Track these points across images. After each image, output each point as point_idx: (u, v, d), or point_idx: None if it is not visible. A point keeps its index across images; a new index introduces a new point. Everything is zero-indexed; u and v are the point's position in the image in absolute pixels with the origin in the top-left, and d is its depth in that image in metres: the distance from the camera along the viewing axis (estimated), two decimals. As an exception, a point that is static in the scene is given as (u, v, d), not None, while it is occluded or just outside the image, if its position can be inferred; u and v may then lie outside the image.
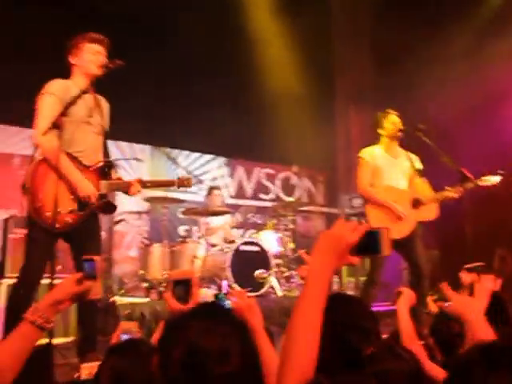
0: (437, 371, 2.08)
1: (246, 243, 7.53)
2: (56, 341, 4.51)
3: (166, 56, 8.69)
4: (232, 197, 10.51)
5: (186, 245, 7.62)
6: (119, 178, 4.53)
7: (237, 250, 7.31)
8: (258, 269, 7.34)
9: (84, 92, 4.07)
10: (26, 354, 1.88)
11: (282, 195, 11.05)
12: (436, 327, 2.97)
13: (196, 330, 1.43)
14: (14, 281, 4.12)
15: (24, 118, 4.20)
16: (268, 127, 9.28)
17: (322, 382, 1.44)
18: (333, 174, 11.49)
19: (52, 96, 4.08)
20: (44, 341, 3.05)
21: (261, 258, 7.46)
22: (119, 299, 6.59)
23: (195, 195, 9.39)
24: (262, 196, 10.94)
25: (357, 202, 9.36)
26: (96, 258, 2.13)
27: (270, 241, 8.06)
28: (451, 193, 5.32)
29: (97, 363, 2.08)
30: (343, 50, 11.01)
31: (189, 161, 10.00)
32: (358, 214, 8.66)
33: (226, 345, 1.42)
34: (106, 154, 4.43)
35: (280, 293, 7.60)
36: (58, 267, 5.65)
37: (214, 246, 7.81)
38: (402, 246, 5.16)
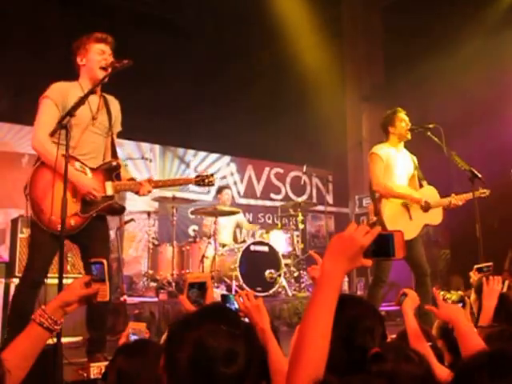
0: (445, 373, 2.03)
1: (255, 243, 7.52)
2: (65, 340, 4.53)
3: (177, 55, 8.73)
4: (242, 196, 10.52)
5: (196, 245, 7.64)
6: (131, 179, 4.43)
7: (246, 250, 7.30)
8: (267, 269, 7.34)
9: (91, 92, 3.98)
10: (34, 355, 1.91)
11: (291, 195, 11.06)
12: (445, 329, 2.92)
13: (202, 331, 1.44)
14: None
15: (33, 117, 4.18)
16: (278, 127, 9.28)
17: (331, 381, 1.44)
18: (342, 174, 11.49)
19: (48, 100, 4.05)
20: (52, 340, 3.01)
21: (270, 258, 7.46)
22: (129, 299, 6.57)
23: (204, 195, 9.40)
24: (272, 196, 10.95)
25: (366, 201, 9.34)
26: (104, 260, 2.13)
27: (280, 241, 8.07)
28: (456, 200, 5.33)
29: (105, 363, 2.08)
30: (355, 50, 11.00)
31: (198, 160, 10.04)
32: (367, 213, 8.65)
33: (233, 345, 1.43)
34: (114, 154, 4.36)
35: (290, 293, 7.60)
36: (67, 267, 5.71)
37: (223, 245, 7.82)
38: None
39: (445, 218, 5.51)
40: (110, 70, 4.11)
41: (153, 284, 7.34)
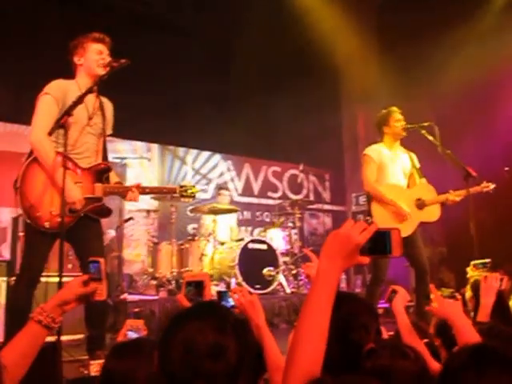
0: (439, 369, 2.08)
1: (253, 241, 7.58)
2: (66, 338, 4.58)
3: (174, 55, 8.77)
4: (240, 194, 10.58)
5: (195, 243, 7.68)
6: (118, 183, 4.46)
7: (245, 248, 7.35)
8: (266, 266, 7.39)
9: (89, 91, 4.02)
10: (33, 352, 1.93)
11: (288, 193, 11.12)
12: (442, 325, 2.90)
13: (190, 328, 1.45)
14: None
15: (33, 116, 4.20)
16: (275, 126, 9.33)
17: (327, 381, 1.44)
18: (339, 172, 11.56)
19: (48, 97, 4.05)
20: (52, 338, 3.04)
21: (269, 256, 7.51)
22: (129, 297, 6.66)
23: (204, 193, 9.46)
24: (270, 194, 10.99)
25: (363, 199, 9.41)
26: (101, 259, 2.16)
27: (278, 239, 8.13)
28: (454, 196, 5.36)
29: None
30: (349, 50, 11.01)
31: (196, 158, 10.10)
32: (364, 211, 8.71)
33: (220, 340, 1.44)
34: (105, 156, 4.38)
35: (288, 290, 7.67)
36: (69, 266, 5.75)
37: (222, 243, 7.88)
38: (404, 244, 5.13)
39: (440, 215, 5.52)
40: (107, 69, 4.13)
41: (153, 282, 7.37)
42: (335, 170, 11.57)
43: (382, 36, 10.33)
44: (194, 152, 10.06)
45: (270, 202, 10.67)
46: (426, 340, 2.68)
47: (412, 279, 6.51)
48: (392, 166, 5.53)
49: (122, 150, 8.73)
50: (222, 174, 10.38)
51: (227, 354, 1.42)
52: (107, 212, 4.31)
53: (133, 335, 2.55)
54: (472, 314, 3.43)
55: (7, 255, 6.11)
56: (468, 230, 4.97)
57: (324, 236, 10.66)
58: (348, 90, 11.24)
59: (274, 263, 7.49)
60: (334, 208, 11.57)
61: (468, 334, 2.27)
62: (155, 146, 9.62)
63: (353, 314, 1.92)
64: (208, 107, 9.03)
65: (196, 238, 7.97)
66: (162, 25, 8.97)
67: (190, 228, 8.36)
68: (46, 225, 3.88)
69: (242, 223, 10.09)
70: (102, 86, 4.27)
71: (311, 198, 11.23)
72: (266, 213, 10.56)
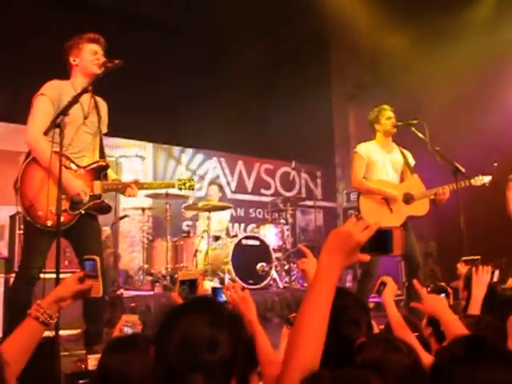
0: (430, 361, 2.08)
1: (247, 237, 7.68)
2: (64, 333, 4.64)
3: (166, 54, 8.82)
4: (233, 192, 10.65)
5: (189, 239, 7.77)
6: (116, 179, 4.53)
7: (238, 244, 7.46)
8: (259, 262, 7.50)
9: (84, 91, 4.06)
10: (31, 348, 1.96)
11: (281, 190, 11.20)
12: (433, 318, 2.91)
13: (188, 321, 1.48)
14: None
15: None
16: (267, 124, 9.39)
17: (324, 374, 1.43)
18: (330, 170, 11.65)
19: (44, 97, 4.09)
20: (51, 333, 3.12)
21: (262, 252, 7.62)
22: (125, 292, 6.71)
23: (197, 191, 9.51)
24: (263, 191, 11.06)
25: (354, 196, 9.49)
26: (97, 257, 2.19)
27: (271, 235, 8.24)
28: (442, 190, 5.41)
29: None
30: (341, 47, 11.09)
31: (189, 157, 10.15)
32: (354, 207, 8.79)
33: (215, 333, 1.45)
34: (102, 154, 4.43)
35: (281, 285, 7.76)
36: (66, 263, 5.80)
37: (216, 239, 7.96)
38: None
39: (430, 209, 5.59)
40: (102, 69, 4.18)
41: (148, 278, 7.44)
42: (327, 167, 11.64)
43: (373, 34, 10.38)
44: (187, 150, 10.10)
45: (263, 198, 10.74)
46: (416, 334, 2.69)
47: (403, 274, 6.61)
48: (382, 163, 5.61)
49: (117, 148, 8.77)
50: (215, 172, 10.45)
51: (222, 346, 1.44)
52: (107, 209, 4.38)
53: (128, 330, 2.57)
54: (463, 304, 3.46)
55: (5, 253, 6.15)
56: (458, 225, 5.00)
57: (316, 232, 10.76)
58: (339, 87, 11.32)
59: (267, 259, 7.60)
60: (326, 204, 11.64)
61: (455, 329, 2.30)
62: (149, 145, 9.66)
63: (343, 309, 1.93)
64: (201, 106, 9.07)
65: (190, 234, 8.05)
66: (155, 24, 9.01)
67: (185, 225, 8.39)
68: (48, 223, 3.93)
69: (235, 220, 10.18)
70: (97, 86, 4.30)
71: (303, 194, 11.28)
72: (259, 209, 10.63)
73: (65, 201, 4.02)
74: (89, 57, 4.24)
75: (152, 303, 6.25)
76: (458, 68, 8.39)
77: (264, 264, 7.52)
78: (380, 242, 1.61)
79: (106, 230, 7.33)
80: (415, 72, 8.80)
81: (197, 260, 7.57)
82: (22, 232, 5.41)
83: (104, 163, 4.36)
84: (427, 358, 2.07)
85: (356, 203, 5.81)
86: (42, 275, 4.03)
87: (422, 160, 5.86)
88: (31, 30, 7.64)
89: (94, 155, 4.38)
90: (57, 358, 3.33)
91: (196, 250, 7.61)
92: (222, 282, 7.33)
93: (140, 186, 4.45)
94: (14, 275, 4.83)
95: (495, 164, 5.55)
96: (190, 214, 8.46)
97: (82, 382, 3.20)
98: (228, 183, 10.61)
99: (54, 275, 3.45)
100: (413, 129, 5.48)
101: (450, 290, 3.56)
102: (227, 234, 8.67)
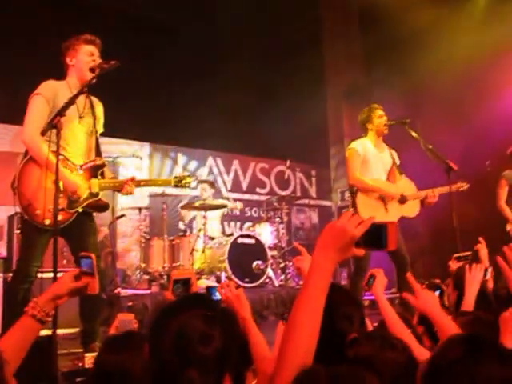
0: (426, 356, 1.94)
1: (242, 236, 7.73)
2: (61, 331, 4.66)
3: (163, 55, 8.86)
4: (229, 190, 10.71)
5: (186, 238, 7.80)
6: (113, 177, 4.57)
7: (234, 243, 7.51)
8: (254, 260, 7.55)
9: (81, 92, 4.08)
10: (27, 346, 1.95)
11: (276, 189, 11.26)
12: (424, 316, 2.88)
13: (182, 317, 1.50)
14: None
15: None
16: (262, 124, 9.43)
17: (319, 370, 1.43)
18: (325, 168, 11.69)
19: (40, 97, 4.10)
20: (48, 332, 3.15)
21: (257, 250, 7.67)
22: (122, 291, 6.77)
23: (194, 190, 9.55)
24: (258, 190, 11.13)
25: (348, 194, 9.52)
26: (93, 255, 2.19)
27: (266, 233, 8.30)
28: (433, 193, 5.46)
29: (99, 354, 2.16)
30: (334, 46, 11.12)
31: (186, 157, 10.21)
32: (349, 206, 8.82)
33: (210, 330, 1.48)
34: (98, 153, 4.44)
35: (276, 283, 7.83)
36: (64, 262, 5.84)
37: (212, 239, 8.01)
38: None
39: (424, 208, 5.62)
40: (98, 70, 4.19)
41: (145, 277, 7.50)
42: (321, 167, 11.69)
43: (366, 33, 10.43)
44: (183, 150, 10.16)
45: (259, 197, 10.81)
46: (409, 331, 2.62)
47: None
48: (374, 162, 5.62)
49: (113, 148, 8.81)
50: (210, 172, 10.51)
51: (215, 340, 1.47)
52: (104, 206, 4.41)
53: (124, 329, 2.58)
54: (446, 303, 3.49)
55: (4, 252, 6.18)
56: (451, 223, 5.01)
57: (311, 230, 10.81)
58: (333, 87, 11.35)
59: (263, 257, 7.65)
60: (321, 203, 11.70)
61: (447, 327, 2.29)
62: (146, 145, 9.71)
63: (336, 304, 1.91)
64: (197, 106, 9.10)
65: (187, 233, 8.10)
66: (152, 26, 9.03)
67: (182, 224, 8.44)
68: (46, 222, 3.95)
69: (231, 218, 10.25)
70: (94, 87, 4.31)
71: (298, 193, 11.35)
72: (255, 208, 10.68)
73: (62, 199, 4.04)
74: (85, 58, 4.26)
75: (149, 302, 6.28)
76: (453, 66, 8.42)
77: (260, 262, 7.57)
78: (375, 236, 1.60)
79: (104, 230, 7.37)
80: (409, 71, 8.83)
81: (193, 259, 7.62)
82: (19, 231, 5.48)
83: (100, 162, 4.37)
84: (425, 354, 2.08)
85: (350, 201, 5.81)
86: (39, 274, 4.05)
87: (412, 158, 5.92)
88: (30, 31, 7.66)
89: (90, 155, 4.41)
90: (54, 356, 3.33)
91: (192, 249, 7.65)
92: (218, 280, 7.38)
93: (137, 183, 4.45)
94: (11, 275, 4.87)
95: (487, 162, 5.58)
96: (186, 213, 8.51)
97: (79, 379, 3.23)
98: (224, 182, 10.66)
99: (51, 274, 3.45)
100: (406, 127, 5.49)
101: (444, 287, 3.62)
102: (223, 232, 8.72)
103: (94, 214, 4.44)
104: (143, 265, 7.64)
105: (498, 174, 6.78)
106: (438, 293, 3.75)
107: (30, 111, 4.13)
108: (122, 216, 7.63)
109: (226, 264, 7.34)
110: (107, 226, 7.39)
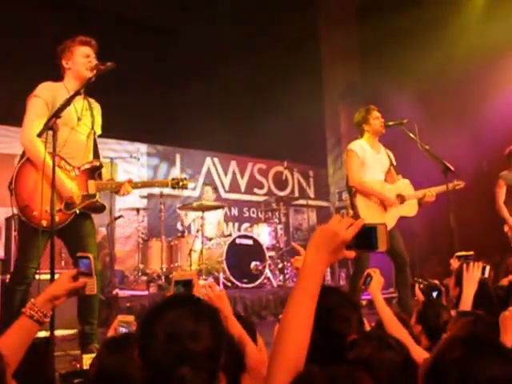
0: (424, 356, 1.98)
1: (240, 236, 7.74)
2: (60, 333, 4.66)
3: (160, 56, 8.87)
4: (227, 191, 10.72)
5: (183, 239, 7.82)
6: (110, 179, 4.57)
7: (232, 244, 7.52)
8: (252, 261, 7.57)
9: (77, 93, 4.04)
10: (25, 347, 1.94)
11: (274, 190, 11.28)
12: (424, 314, 3.05)
13: (171, 316, 1.49)
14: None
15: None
16: (260, 125, 9.44)
17: (315, 372, 1.44)
18: (323, 169, 11.70)
19: (38, 99, 4.10)
20: (45, 333, 3.14)
21: (255, 251, 7.68)
22: (121, 292, 6.78)
23: (192, 191, 9.57)
24: (256, 190, 11.14)
25: (346, 195, 9.53)
26: (90, 255, 2.19)
27: (264, 234, 8.31)
28: (430, 192, 5.47)
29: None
30: (331, 47, 11.14)
31: (183, 157, 10.22)
32: (346, 206, 8.83)
33: (199, 327, 1.48)
34: (96, 155, 4.44)
35: (275, 283, 7.84)
36: (62, 263, 5.84)
37: (210, 239, 8.02)
38: None
39: (422, 208, 5.64)
40: (94, 72, 4.17)
41: (143, 278, 7.50)
42: (319, 167, 11.70)
43: (364, 35, 10.44)
44: (181, 150, 10.16)
45: (256, 198, 10.83)
46: (406, 330, 2.64)
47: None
48: (372, 163, 5.62)
49: (111, 149, 8.82)
50: (208, 172, 10.51)
51: (205, 337, 1.47)
52: (101, 208, 4.40)
53: (123, 330, 2.56)
54: (445, 303, 3.50)
55: (1, 254, 6.18)
56: (448, 223, 5.02)
57: (309, 231, 10.81)
58: (330, 87, 11.37)
59: (261, 258, 7.66)
60: (318, 204, 11.70)
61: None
62: (144, 146, 9.72)
63: (334, 307, 1.94)
64: (195, 107, 9.12)
65: (185, 234, 8.11)
66: (150, 27, 9.05)
67: (180, 225, 8.45)
68: (43, 223, 3.92)
69: (229, 219, 10.24)
70: (92, 87, 4.30)
71: (296, 194, 11.37)
72: (253, 209, 10.69)
73: (60, 200, 4.06)
74: (81, 59, 4.25)
75: (147, 303, 6.30)
76: (451, 66, 8.45)
77: (258, 263, 7.57)
78: (365, 238, 1.60)
79: (102, 231, 7.38)
80: (407, 71, 8.85)
81: (191, 260, 7.62)
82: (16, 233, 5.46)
83: (98, 163, 4.38)
84: (421, 354, 2.13)
85: (347, 202, 5.82)
86: (36, 275, 4.06)
87: (411, 159, 5.93)
88: (29, 33, 7.67)
89: (88, 156, 4.40)
90: (51, 358, 3.32)
91: (190, 250, 7.65)
92: (216, 281, 7.36)
93: (134, 185, 4.46)
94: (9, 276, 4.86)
95: (484, 163, 5.60)
96: (184, 214, 8.52)
97: (76, 381, 3.22)
98: (222, 183, 10.66)
99: (48, 276, 3.44)
100: (403, 128, 5.49)
101: (442, 288, 3.62)
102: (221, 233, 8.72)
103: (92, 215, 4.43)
104: (141, 266, 7.65)
105: (496, 174, 6.81)
106: (436, 293, 3.76)
107: (28, 113, 4.12)
108: (120, 217, 7.63)
109: (224, 265, 7.34)
110: (105, 227, 7.39)
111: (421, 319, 3.04)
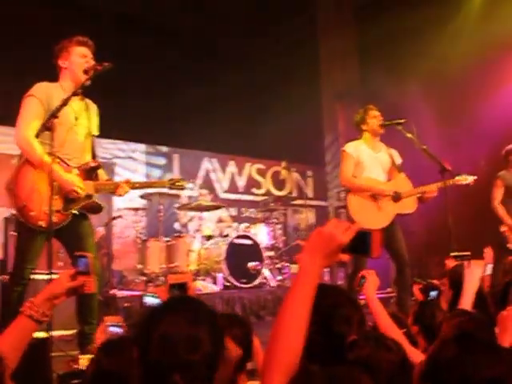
0: (419, 358, 1.99)
1: (239, 237, 7.74)
2: (58, 333, 4.64)
3: (162, 58, 8.87)
4: (225, 191, 10.72)
5: (182, 239, 7.79)
6: (108, 180, 4.58)
7: (231, 243, 7.53)
8: (251, 261, 7.56)
9: (75, 94, 4.08)
10: (23, 346, 1.95)
11: (272, 190, 11.28)
12: (421, 314, 3.07)
13: (167, 322, 1.51)
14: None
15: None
16: (258, 125, 9.45)
17: (314, 371, 1.46)
18: (321, 169, 11.72)
19: (33, 98, 4.10)
20: (43, 334, 3.16)
21: (254, 251, 7.68)
22: (119, 293, 6.80)
23: (190, 191, 9.56)
24: (254, 190, 11.15)
25: (344, 194, 9.53)
26: (89, 254, 2.21)
27: (263, 234, 8.30)
28: (429, 188, 5.48)
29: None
30: (329, 48, 11.14)
31: (182, 157, 10.22)
32: (345, 206, 8.82)
33: (196, 333, 1.49)
34: (93, 155, 4.45)
35: (273, 283, 7.83)
36: (60, 264, 5.84)
37: (208, 239, 8.02)
38: (384, 237, 5.20)
39: (420, 207, 5.65)
40: (91, 72, 4.18)
41: (142, 278, 7.49)
42: (317, 167, 11.73)
43: (361, 35, 10.45)
44: (179, 151, 10.16)
45: (255, 198, 10.82)
46: (403, 330, 2.71)
47: (392, 271, 6.66)
48: (370, 162, 5.66)
49: (109, 150, 8.82)
50: (206, 173, 10.51)
51: (202, 344, 1.47)
52: (99, 208, 4.40)
53: (116, 330, 2.60)
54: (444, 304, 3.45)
55: (0, 254, 6.18)
56: (446, 222, 5.04)
57: (307, 231, 10.81)
58: (328, 87, 11.37)
59: (259, 258, 7.65)
60: (317, 203, 11.72)
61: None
62: (142, 146, 9.72)
63: (334, 306, 1.93)
64: (193, 107, 9.12)
65: (183, 234, 8.10)
66: (150, 27, 9.05)
67: (178, 225, 8.45)
68: (42, 224, 3.95)
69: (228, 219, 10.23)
70: (90, 87, 4.30)
71: (294, 194, 11.35)
72: (251, 209, 10.68)
73: (58, 201, 4.05)
74: (78, 60, 4.25)
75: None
76: (449, 65, 8.45)
77: (256, 263, 7.57)
78: (360, 242, 1.62)
79: (100, 231, 7.37)
80: (405, 71, 8.86)
81: (189, 260, 7.62)
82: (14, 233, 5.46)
83: (95, 164, 4.38)
84: (417, 356, 2.16)
85: (344, 202, 5.84)
86: (33, 276, 4.10)
87: (408, 158, 5.93)
88: (26, 32, 7.67)
89: (85, 157, 4.41)
90: (48, 358, 3.36)
91: (189, 250, 7.66)
92: (214, 281, 7.42)
93: (131, 185, 4.46)
94: (7, 277, 4.85)
95: (482, 162, 5.61)
96: (183, 214, 8.53)
97: (74, 382, 3.21)
98: (220, 183, 10.66)
99: (46, 276, 3.49)
100: (400, 128, 5.50)
101: (442, 289, 3.61)
102: (219, 233, 8.73)
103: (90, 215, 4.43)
104: (139, 266, 7.63)
105: (494, 174, 6.82)
106: (435, 294, 3.75)
107: (23, 112, 4.13)
108: (119, 217, 7.63)
109: (223, 265, 7.35)
110: (103, 227, 7.38)
111: (417, 320, 3.05)
